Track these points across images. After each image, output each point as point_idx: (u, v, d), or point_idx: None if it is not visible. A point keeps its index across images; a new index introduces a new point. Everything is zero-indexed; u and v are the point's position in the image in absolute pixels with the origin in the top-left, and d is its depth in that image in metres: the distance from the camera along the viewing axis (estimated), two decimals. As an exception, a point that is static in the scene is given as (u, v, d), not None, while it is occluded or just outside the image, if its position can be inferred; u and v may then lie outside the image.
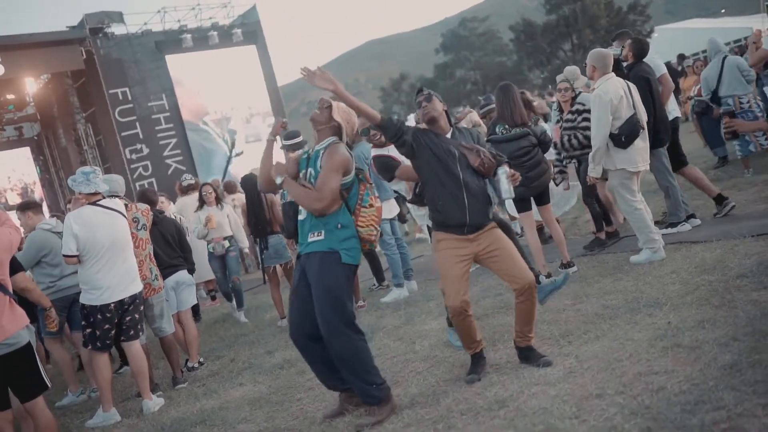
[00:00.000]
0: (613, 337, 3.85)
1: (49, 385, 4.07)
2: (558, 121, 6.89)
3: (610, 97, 5.36)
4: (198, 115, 17.72)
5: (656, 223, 5.93)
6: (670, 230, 6.03)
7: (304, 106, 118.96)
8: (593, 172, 5.61)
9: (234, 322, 7.79)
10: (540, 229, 6.85)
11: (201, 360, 6.13)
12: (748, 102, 7.68)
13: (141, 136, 16.58)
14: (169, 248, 6.00)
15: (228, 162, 16.68)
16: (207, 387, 5.31)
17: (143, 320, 5.26)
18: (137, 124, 16.58)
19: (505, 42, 67.99)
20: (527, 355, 3.83)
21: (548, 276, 5.38)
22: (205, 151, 17.59)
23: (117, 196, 5.33)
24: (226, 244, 7.83)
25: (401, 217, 8.70)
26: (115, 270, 4.91)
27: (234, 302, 7.87)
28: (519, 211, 5.87)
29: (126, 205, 5.33)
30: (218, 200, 7.98)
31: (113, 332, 4.98)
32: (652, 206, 6.36)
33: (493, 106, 6.50)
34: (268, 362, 5.51)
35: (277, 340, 6.22)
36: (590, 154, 5.62)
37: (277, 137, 4.00)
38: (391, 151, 5.18)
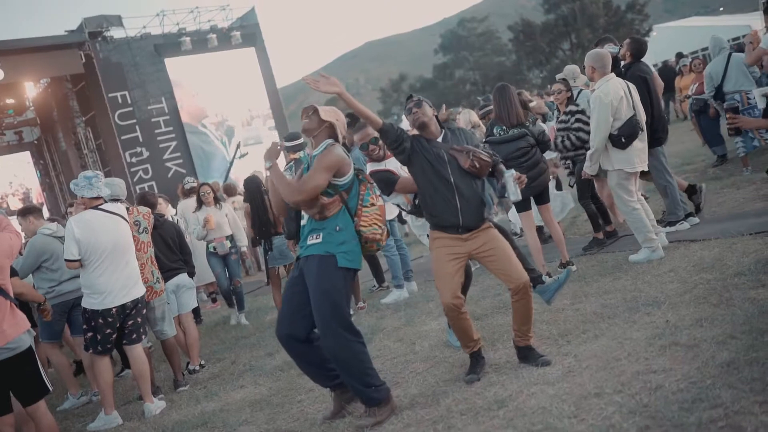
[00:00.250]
0: (612, 336, 3.87)
1: (51, 389, 4.08)
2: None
3: (611, 98, 5.36)
4: (197, 118, 17.73)
5: (658, 222, 5.94)
6: (668, 229, 6.05)
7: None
8: (589, 169, 5.63)
9: (234, 325, 7.80)
10: (539, 229, 6.86)
11: (202, 362, 6.15)
12: (755, 98, 7.67)
13: (141, 140, 16.58)
14: (169, 251, 6.03)
15: (231, 164, 16.66)
16: (208, 389, 5.33)
17: (146, 324, 5.28)
18: (137, 127, 16.59)
19: (504, 42, 68.10)
20: (526, 354, 3.85)
21: (548, 276, 5.39)
22: (204, 154, 17.61)
23: (119, 200, 5.35)
24: (229, 243, 7.85)
25: (401, 218, 8.70)
26: (118, 274, 4.91)
27: (236, 308, 7.88)
28: (518, 211, 5.88)
29: (127, 209, 5.35)
30: (216, 200, 7.99)
31: (114, 336, 4.99)
32: (653, 206, 6.37)
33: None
34: (268, 364, 5.53)
35: (278, 343, 6.17)
36: (588, 153, 5.64)
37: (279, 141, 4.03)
38: (389, 165, 5.20)
